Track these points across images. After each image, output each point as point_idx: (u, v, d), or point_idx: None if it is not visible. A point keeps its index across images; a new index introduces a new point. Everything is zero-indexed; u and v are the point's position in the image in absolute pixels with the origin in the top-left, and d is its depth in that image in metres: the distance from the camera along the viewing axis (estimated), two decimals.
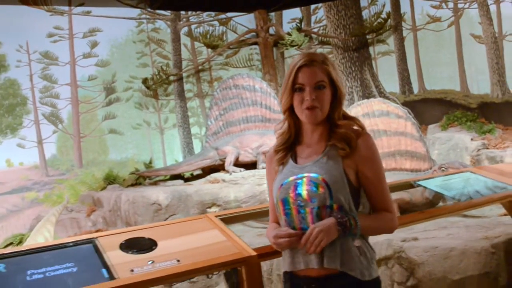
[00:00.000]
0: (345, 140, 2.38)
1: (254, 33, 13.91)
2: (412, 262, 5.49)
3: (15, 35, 12.23)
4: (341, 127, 2.41)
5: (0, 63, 12.17)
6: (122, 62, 13.33)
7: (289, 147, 2.48)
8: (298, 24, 13.10)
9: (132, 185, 11.73)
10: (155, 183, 11.55)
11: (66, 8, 12.58)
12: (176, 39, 13.59)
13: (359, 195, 2.41)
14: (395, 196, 7.76)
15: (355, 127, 2.46)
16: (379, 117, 8.57)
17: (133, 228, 3.27)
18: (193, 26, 13.56)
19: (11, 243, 10.61)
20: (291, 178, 2.37)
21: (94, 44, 12.87)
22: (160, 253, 2.96)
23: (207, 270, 2.87)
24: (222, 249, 3.01)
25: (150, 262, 2.83)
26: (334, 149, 2.38)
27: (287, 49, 12.20)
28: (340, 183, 2.31)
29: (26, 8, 12.03)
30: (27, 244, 7.00)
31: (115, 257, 2.88)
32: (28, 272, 2.72)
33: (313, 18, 14.88)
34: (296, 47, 11.99)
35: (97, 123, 13.02)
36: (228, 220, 3.43)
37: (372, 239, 5.77)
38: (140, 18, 13.25)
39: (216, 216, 3.42)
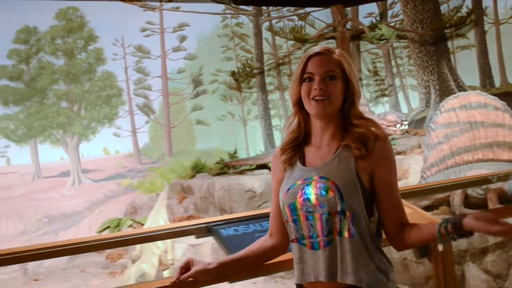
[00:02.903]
0: (361, 140, 2.09)
1: (331, 28, 14.13)
2: None
3: (111, 30, 13.00)
4: (358, 127, 2.12)
5: (98, 56, 12.91)
6: (208, 56, 13.92)
7: (297, 146, 2.22)
8: (378, 19, 13.29)
9: (218, 174, 12.10)
10: (241, 172, 11.91)
11: (157, 4, 13.13)
12: (258, 34, 13.96)
13: (373, 202, 2.12)
14: (494, 186, 7.95)
15: (373, 129, 2.15)
16: (476, 109, 8.66)
17: None
18: (273, 21, 13.95)
19: (108, 227, 11.11)
20: (298, 182, 2.11)
21: (182, 38, 13.47)
22: None
23: None
24: (412, 220, 3.30)
25: None
26: (347, 149, 2.10)
27: (372, 43, 12.43)
28: (352, 187, 2.05)
29: (121, 4, 12.59)
30: (149, 226, 7.55)
31: None
32: (256, 235, 3.09)
33: (389, 12, 15.09)
34: (385, 41, 12.19)
35: (185, 114, 13.64)
36: (407, 195, 3.76)
37: None
38: (224, 13, 13.72)
39: (401, 190, 3.74)
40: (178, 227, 3.33)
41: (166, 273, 7.23)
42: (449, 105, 8.92)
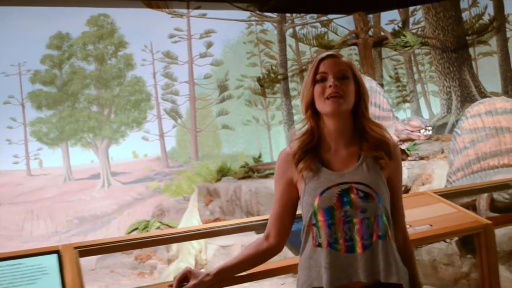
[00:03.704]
0: (382, 148, 2.18)
1: (353, 34, 14.32)
2: None
3: (141, 36, 13.33)
4: (373, 131, 2.19)
5: (128, 62, 13.26)
6: (234, 62, 14.26)
7: (312, 151, 2.21)
8: (401, 26, 13.47)
9: (243, 177, 12.29)
10: (266, 176, 12.11)
11: (185, 10, 13.41)
12: (282, 40, 14.23)
13: None
14: None
15: (387, 135, 2.25)
16: (502, 115, 8.77)
17: None
18: (297, 28, 14.21)
19: (136, 228, 11.34)
20: (332, 186, 2.11)
21: (209, 45, 13.81)
22: (408, 219, 3.49)
23: (454, 234, 3.39)
24: (458, 218, 3.50)
25: (408, 226, 3.37)
26: (370, 156, 2.17)
27: (396, 50, 12.61)
28: (385, 192, 2.15)
29: (150, 11, 12.87)
30: (183, 226, 7.80)
31: None
32: None
33: (411, 19, 15.29)
34: (409, 48, 12.38)
35: (211, 118, 13.98)
36: (445, 196, 3.96)
37: None
38: (250, 20, 14.00)
39: (435, 193, 3.96)
40: (241, 223, 3.55)
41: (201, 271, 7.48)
42: (474, 111, 9.06)
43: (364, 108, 2.20)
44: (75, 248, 2.85)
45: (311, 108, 2.19)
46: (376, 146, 2.17)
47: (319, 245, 2.10)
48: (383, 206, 2.12)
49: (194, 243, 7.23)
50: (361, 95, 2.19)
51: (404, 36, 12.33)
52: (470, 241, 5.18)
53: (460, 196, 4.55)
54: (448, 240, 3.33)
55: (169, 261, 7.58)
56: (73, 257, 2.75)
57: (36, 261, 2.64)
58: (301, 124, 2.25)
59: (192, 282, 2.20)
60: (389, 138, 2.24)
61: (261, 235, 2.34)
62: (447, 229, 3.42)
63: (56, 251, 2.72)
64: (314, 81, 2.16)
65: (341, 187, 2.11)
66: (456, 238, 4.97)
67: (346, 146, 2.19)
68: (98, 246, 2.99)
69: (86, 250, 2.92)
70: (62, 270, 2.61)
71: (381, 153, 2.17)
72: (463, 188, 4.39)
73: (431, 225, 3.48)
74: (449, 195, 4.31)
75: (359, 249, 2.06)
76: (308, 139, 2.20)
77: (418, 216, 3.62)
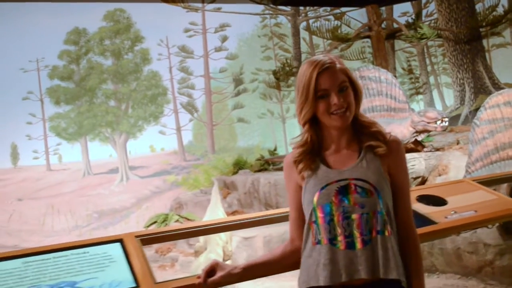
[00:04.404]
0: (377, 137, 2.20)
1: (366, 27, 14.36)
2: None
3: (156, 31, 13.44)
4: (368, 124, 2.22)
5: (144, 56, 13.37)
6: (249, 55, 14.37)
7: (313, 153, 2.21)
8: (414, 18, 13.50)
9: (259, 170, 12.36)
10: (281, 169, 12.13)
11: (199, 5, 13.46)
12: (296, 33, 14.27)
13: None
14: None
15: (381, 129, 2.25)
16: None
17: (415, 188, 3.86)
18: (310, 21, 14.28)
19: (155, 222, 11.43)
20: (330, 183, 2.13)
21: (224, 38, 13.89)
22: (452, 206, 3.56)
23: (498, 219, 3.46)
24: (500, 204, 3.58)
25: (453, 212, 3.45)
26: (370, 152, 2.18)
27: (411, 42, 12.66)
28: (386, 187, 2.16)
29: (165, 6, 12.92)
30: (208, 219, 7.87)
31: (419, 208, 3.51)
32: None
33: (424, 12, 15.32)
34: (425, 40, 12.42)
35: (227, 112, 14.09)
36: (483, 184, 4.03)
37: None
38: (263, 14, 14.04)
39: (473, 180, 4.03)
40: (283, 212, 3.63)
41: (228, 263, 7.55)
42: (493, 102, 9.08)
43: (358, 108, 2.20)
44: (136, 236, 2.91)
45: (309, 122, 2.19)
46: (373, 137, 2.19)
47: (319, 242, 2.11)
48: (383, 201, 2.13)
49: (221, 234, 7.27)
50: (358, 97, 2.19)
51: (420, 28, 12.37)
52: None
53: (497, 184, 4.63)
54: (490, 226, 3.43)
55: (197, 253, 7.64)
56: (136, 245, 2.79)
57: (101, 250, 2.70)
58: (299, 138, 2.25)
59: (219, 273, 2.22)
60: (384, 130, 2.24)
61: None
62: (491, 215, 3.49)
63: (119, 240, 2.78)
64: (316, 98, 2.13)
65: (339, 183, 2.13)
66: (497, 224, 5.05)
67: (347, 145, 2.22)
68: (158, 235, 3.06)
69: (147, 239, 2.99)
70: (128, 258, 2.68)
71: (378, 142, 2.18)
72: (499, 176, 4.46)
73: (475, 211, 3.54)
74: (485, 183, 4.38)
75: (359, 244, 2.07)
76: (309, 148, 2.21)
77: (462, 203, 3.68)
